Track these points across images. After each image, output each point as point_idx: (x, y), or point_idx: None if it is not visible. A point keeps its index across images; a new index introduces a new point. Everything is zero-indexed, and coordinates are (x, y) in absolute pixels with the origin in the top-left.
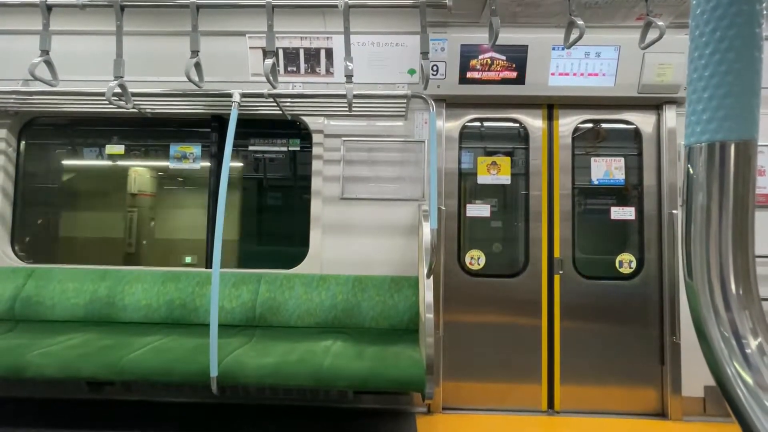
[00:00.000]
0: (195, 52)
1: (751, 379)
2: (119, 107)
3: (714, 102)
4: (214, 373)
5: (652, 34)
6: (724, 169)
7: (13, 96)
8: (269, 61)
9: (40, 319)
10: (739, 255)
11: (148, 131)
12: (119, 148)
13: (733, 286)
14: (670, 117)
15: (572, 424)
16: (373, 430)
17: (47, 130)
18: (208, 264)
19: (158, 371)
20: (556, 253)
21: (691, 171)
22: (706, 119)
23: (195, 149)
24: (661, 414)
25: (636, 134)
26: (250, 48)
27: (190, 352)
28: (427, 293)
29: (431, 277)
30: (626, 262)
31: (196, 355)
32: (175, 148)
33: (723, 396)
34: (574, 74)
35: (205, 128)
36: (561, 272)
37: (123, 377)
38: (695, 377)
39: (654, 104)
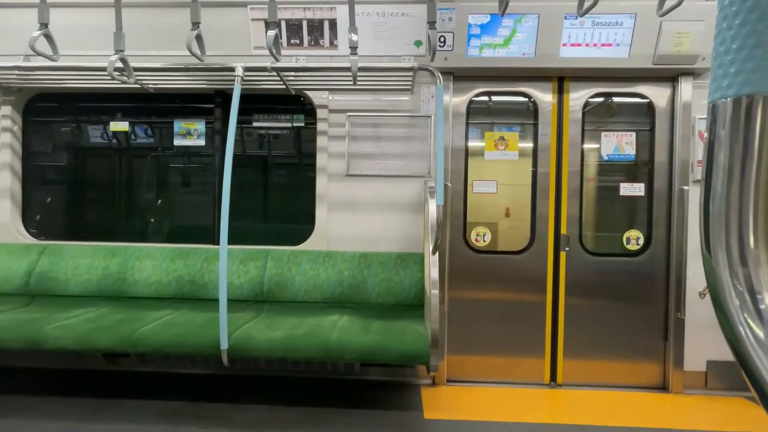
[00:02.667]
0: (196, 24)
1: (762, 333)
2: (122, 82)
3: (743, 53)
4: (224, 345)
5: (671, 0)
6: (750, 124)
7: (15, 72)
8: (271, 33)
9: (55, 293)
10: (760, 214)
11: (152, 108)
12: (123, 125)
13: (752, 244)
14: (686, 90)
15: (574, 396)
16: (380, 400)
17: (51, 107)
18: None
19: (170, 344)
20: (563, 230)
21: (714, 129)
22: (733, 72)
23: (199, 125)
24: (662, 387)
25: (649, 108)
26: (252, 20)
27: (200, 325)
28: (432, 269)
29: (437, 253)
30: (634, 238)
31: (206, 329)
32: (179, 125)
33: (732, 352)
34: (587, 45)
35: (209, 104)
36: (567, 249)
37: (137, 349)
38: (698, 352)
39: (669, 76)
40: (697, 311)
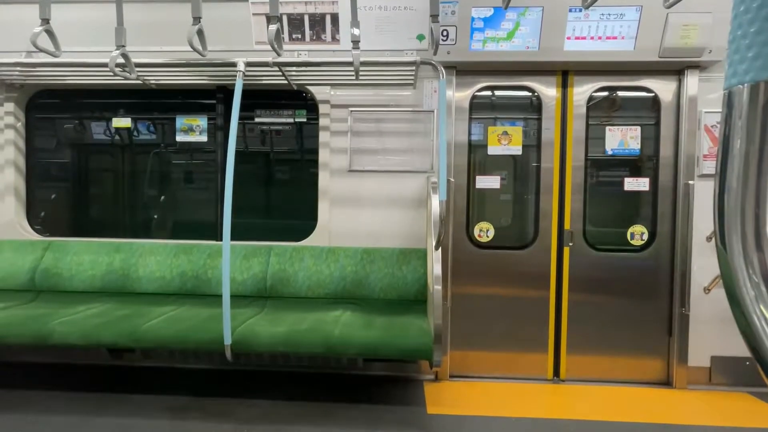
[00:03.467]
0: (197, 19)
1: None
2: (124, 78)
3: (762, 36)
4: (227, 341)
5: None
6: None
7: (17, 68)
8: (273, 28)
9: (60, 289)
10: None
11: (155, 104)
12: (126, 121)
13: None
14: (692, 83)
15: (577, 391)
16: (383, 395)
17: (54, 103)
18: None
19: (174, 339)
20: (567, 226)
21: (730, 118)
22: (751, 56)
23: (201, 121)
24: (666, 383)
25: (654, 102)
26: (254, 14)
27: (204, 321)
28: (435, 265)
29: (440, 249)
30: (638, 234)
31: (210, 324)
32: (181, 121)
33: (747, 346)
34: (592, 38)
35: (211, 100)
36: (571, 244)
37: (141, 345)
38: (702, 348)
39: (675, 69)
40: (702, 307)
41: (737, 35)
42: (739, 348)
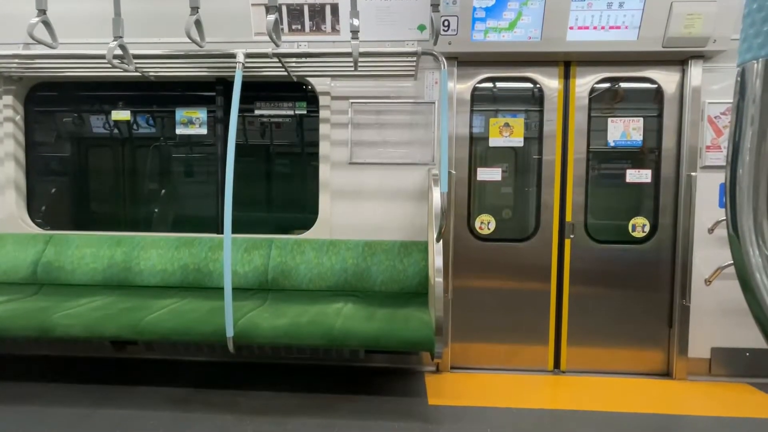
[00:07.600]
0: (195, 9)
1: None
2: (123, 70)
3: None
4: (230, 333)
5: None
6: None
7: (15, 60)
8: (271, 17)
9: (62, 283)
10: None
11: (154, 96)
12: (125, 114)
13: None
14: (696, 74)
15: (576, 382)
16: (384, 387)
17: (53, 96)
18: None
19: (177, 331)
20: (568, 218)
21: (743, 97)
22: (767, 30)
23: (201, 114)
24: (666, 374)
25: (657, 93)
26: (252, 5)
27: (206, 313)
28: (436, 258)
29: (441, 241)
30: (639, 226)
31: (212, 317)
32: (180, 113)
33: (760, 329)
34: (595, 28)
35: (210, 92)
36: (572, 236)
37: (144, 337)
38: (702, 339)
39: (679, 59)
40: (703, 298)
41: (752, 9)
42: (739, 339)
